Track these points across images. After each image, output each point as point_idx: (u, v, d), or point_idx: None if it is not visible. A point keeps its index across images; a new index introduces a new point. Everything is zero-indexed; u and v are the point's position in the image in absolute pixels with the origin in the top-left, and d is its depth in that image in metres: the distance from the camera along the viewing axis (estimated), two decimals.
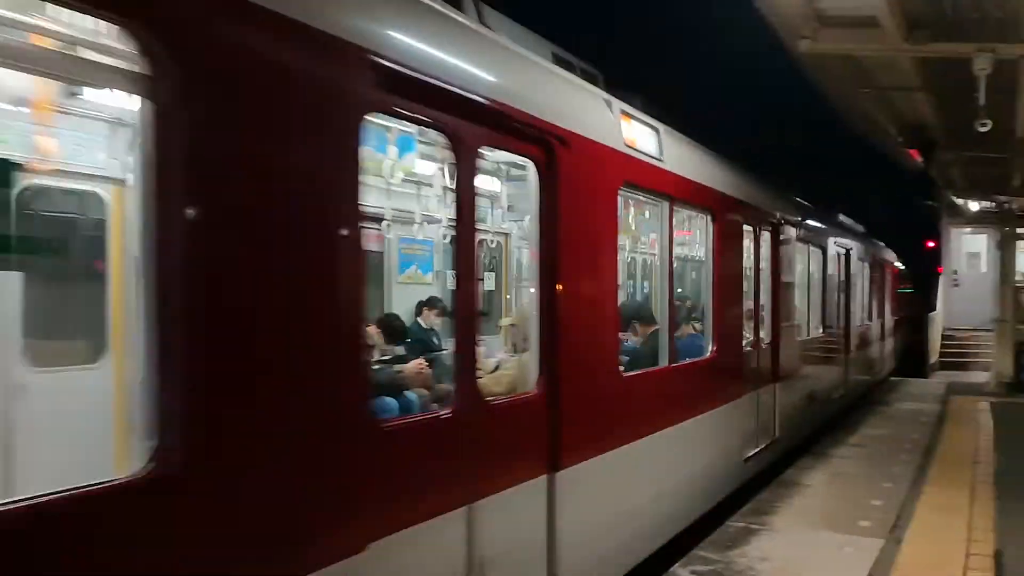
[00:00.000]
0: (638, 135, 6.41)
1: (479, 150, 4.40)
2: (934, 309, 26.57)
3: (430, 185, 6.47)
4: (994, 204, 22.47)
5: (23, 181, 4.13)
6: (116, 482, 2.59)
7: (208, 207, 2.83)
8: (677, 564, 6.22)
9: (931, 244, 29.11)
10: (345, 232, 3.48)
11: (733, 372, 8.48)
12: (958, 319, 26.38)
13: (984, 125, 9.39)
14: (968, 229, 27.24)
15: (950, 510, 7.84)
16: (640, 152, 6.36)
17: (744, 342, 8.85)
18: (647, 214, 8.13)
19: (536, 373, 4.95)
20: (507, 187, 6.90)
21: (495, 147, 4.79)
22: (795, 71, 11.34)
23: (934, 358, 24.19)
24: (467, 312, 4.33)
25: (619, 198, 6.04)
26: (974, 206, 25.39)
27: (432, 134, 4.66)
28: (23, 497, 2.35)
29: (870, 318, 18.28)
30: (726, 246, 8.21)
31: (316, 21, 3.28)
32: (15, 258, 3.70)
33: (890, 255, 22.64)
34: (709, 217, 7.87)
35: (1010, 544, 6.79)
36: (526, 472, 4.74)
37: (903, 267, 26.05)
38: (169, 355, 2.70)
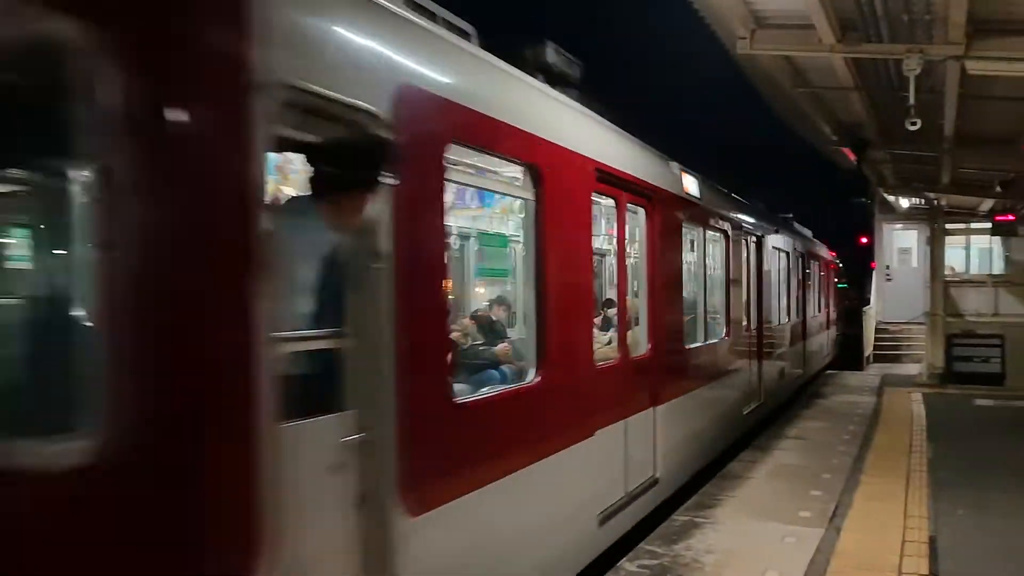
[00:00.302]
0: (689, 184, 9.09)
1: (627, 204, 7.20)
2: (868, 304, 27.26)
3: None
4: (924, 201, 23.14)
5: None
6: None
7: (553, 250, 5.56)
8: (624, 559, 6.28)
9: (865, 240, 29.86)
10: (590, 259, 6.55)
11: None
12: (891, 313, 27.12)
13: (914, 124, 9.65)
14: (899, 225, 27.99)
15: (886, 498, 8.06)
16: (691, 196, 9.10)
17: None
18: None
19: (645, 343, 7.49)
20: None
21: (631, 202, 7.34)
22: (733, 71, 11.54)
23: (869, 351, 24.76)
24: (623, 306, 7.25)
25: (682, 228, 8.73)
26: (905, 203, 26.10)
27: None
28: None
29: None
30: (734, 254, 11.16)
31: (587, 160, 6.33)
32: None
33: (821, 248, 22.79)
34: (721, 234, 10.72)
35: (943, 530, 7.02)
36: (643, 405, 7.28)
37: (837, 262, 26.67)
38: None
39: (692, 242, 9.67)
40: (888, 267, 28.06)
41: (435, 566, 3.94)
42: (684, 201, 8.84)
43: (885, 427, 12.33)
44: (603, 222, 8.02)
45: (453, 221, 6.27)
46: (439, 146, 4.25)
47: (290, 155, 3.93)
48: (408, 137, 3.82)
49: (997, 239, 24.83)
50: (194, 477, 2.68)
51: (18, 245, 3.54)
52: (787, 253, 15.40)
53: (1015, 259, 25.76)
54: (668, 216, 8.15)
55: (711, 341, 10.00)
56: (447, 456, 4.22)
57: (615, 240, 7.35)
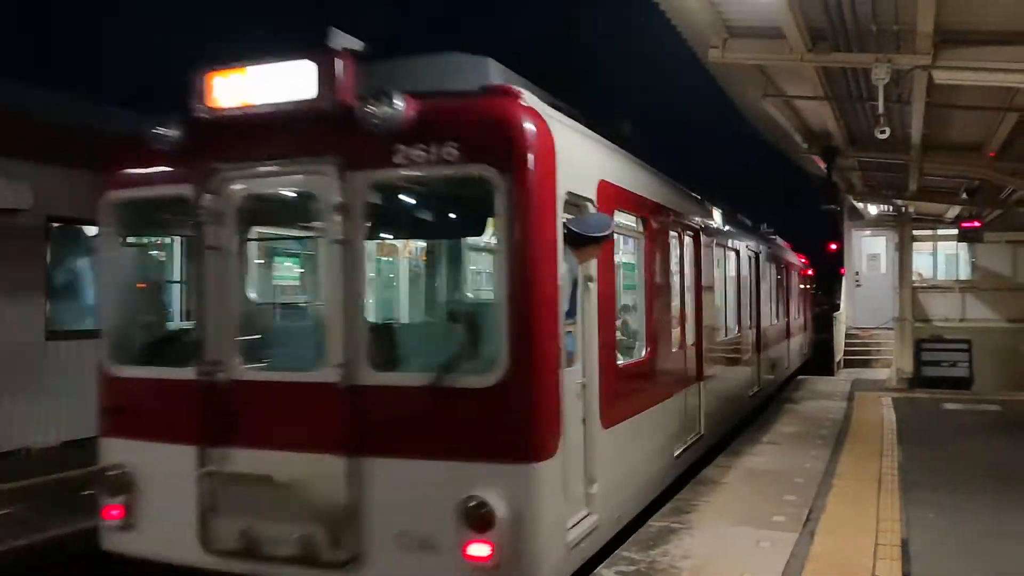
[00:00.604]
0: (718, 216, 11.65)
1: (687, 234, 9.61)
2: (838, 309, 27.56)
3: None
4: (892, 208, 23.48)
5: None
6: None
7: (651, 269, 7.90)
8: (602, 565, 6.29)
9: (834, 247, 30.20)
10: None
11: None
12: (861, 319, 27.46)
13: (883, 132, 9.81)
14: (868, 232, 28.37)
15: (859, 502, 8.14)
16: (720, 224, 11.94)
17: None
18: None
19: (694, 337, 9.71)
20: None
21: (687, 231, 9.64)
22: (705, 78, 11.64)
23: (839, 356, 25.02)
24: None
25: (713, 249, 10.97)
26: (874, 210, 26.47)
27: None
28: None
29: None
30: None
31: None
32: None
33: (787, 251, 22.50)
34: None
35: (915, 533, 7.10)
36: (693, 381, 9.58)
37: (806, 267, 26.89)
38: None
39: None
40: (858, 273, 28.40)
41: (614, 454, 6.57)
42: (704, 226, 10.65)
43: (856, 432, 12.46)
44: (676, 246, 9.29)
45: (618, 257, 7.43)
46: (613, 212, 6.71)
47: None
48: (602, 210, 6.44)
49: (963, 245, 25.28)
50: (536, 393, 5.17)
51: (473, 273, 8.53)
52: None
53: (981, 265, 26.25)
54: (697, 240, 10.15)
55: (733, 334, 12.72)
56: (616, 396, 6.68)
57: (679, 260, 9.29)
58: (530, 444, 5.10)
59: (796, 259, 22.70)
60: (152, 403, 5.93)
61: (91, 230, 12.19)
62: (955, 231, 23.06)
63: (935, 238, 26.33)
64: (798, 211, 32.77)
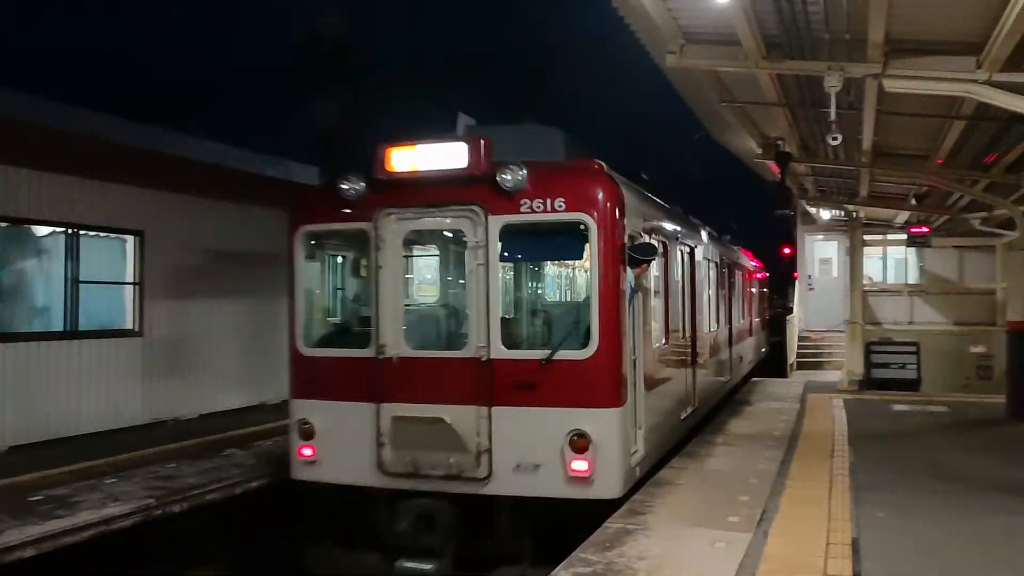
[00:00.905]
0: (704, 234, 13.78)
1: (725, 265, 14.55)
2: (791, 312, 27.97)
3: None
4: (844, 213, 23.90)
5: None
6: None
7: (670, 279, 10.33)
8: (559, 567, 6.31)
9: (788, 251, 30.64)
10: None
11: None
12: (813, 321, 27.91)
13: (835, 139, 9.98)
14: (821, 236, 28.84)
15: (811, 502, 8.26)
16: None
17: None
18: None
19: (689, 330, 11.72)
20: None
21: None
22: (663, 83, 11.76)
23: (792, 359, 25.38)
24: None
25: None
26: (826, 215, 26.92)
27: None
28: None
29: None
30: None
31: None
32: None
33: (744, 258, 23.11)
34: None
35: (865, 532, 7.23)
36: (689, 365, 11.56)
37: (760, 271, 27.23)
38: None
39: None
40: (810, 277, 28.84)
41: (651, 410, 8.89)
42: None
43: (809, 433, 12.65)
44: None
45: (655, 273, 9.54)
46: (619, 231, 8.10)
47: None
48: (624, 236, 8.07)
49: (912, 250, 25.84)
50: (615, 364, 7.69)
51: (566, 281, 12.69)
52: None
53: (929, 269, 26.85)
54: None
55: (714, 328, 14.52)
56: (652, 370, 9.02)
57: (679, 270, 11.09)
58: (612, 396, 7.71)
59: (752, 263, 23.11)
60: (336, 373, 8.36)
61: (41, 230, 11.98)
62: (904, 236, 23.54)
63: (885, 243, 26.89)
64: (756, 215, 33.24)
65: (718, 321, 14.88)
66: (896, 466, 10.13)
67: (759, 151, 15.77)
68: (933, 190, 18.02)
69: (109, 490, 9.15)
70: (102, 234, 12.56)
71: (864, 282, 22.43)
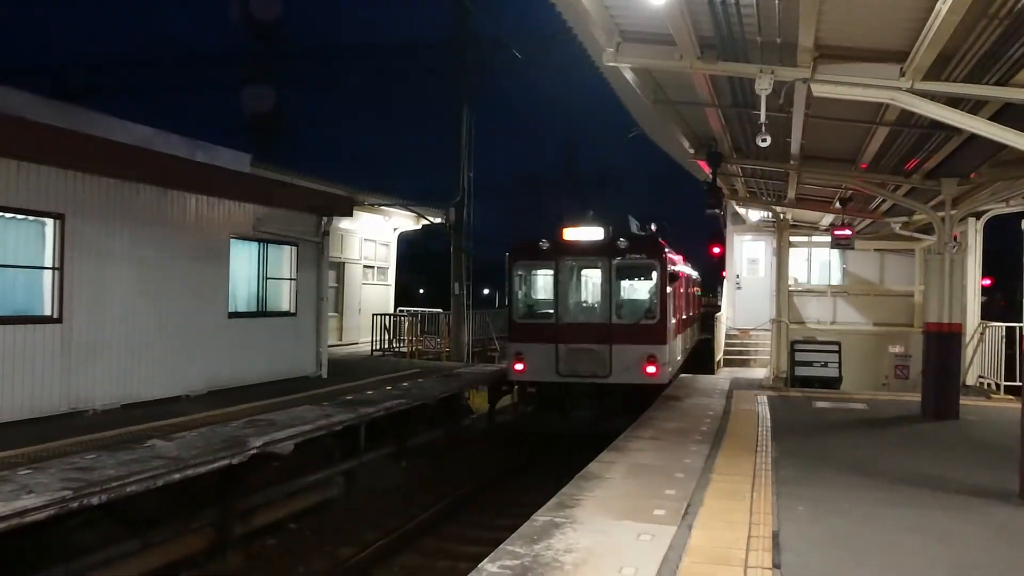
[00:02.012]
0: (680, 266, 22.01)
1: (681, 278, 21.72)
2: (720, 310, 28.53)
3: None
4: (771, 214, 24.44)
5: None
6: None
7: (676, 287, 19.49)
8: (486, 560, 6.31)
9: (717, 250, 31.22)
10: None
11: None
12: (741, 320, 28.51)
13: (764, 141, 10.13)
14: (749, 236, 29.45)
15: (734, 496, 8.45)
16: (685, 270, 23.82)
17: None
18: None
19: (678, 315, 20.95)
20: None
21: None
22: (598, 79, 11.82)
23: (720, 355, 25.89)
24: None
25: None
26: (755, 216, 27.50)
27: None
28: None
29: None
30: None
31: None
32: None
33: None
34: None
35: (785, 525, 7.42)
36: (681, 332, 21.71)
37: (695, 273, 27.80)
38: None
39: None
40: (739, 276, 29.44)
41: (676, 348, 18.97)
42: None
43: (734, 429, 12.92)
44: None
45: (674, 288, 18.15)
46: (667, 269, 17.71)
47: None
48: (668, 271, 17.69)
49: (836, 252, 26.59)
50: (667, 325, 17.53)
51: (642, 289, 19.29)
52: None
53: (851, 271, 27.69)
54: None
55: (686, 316, 23.49)
56: (676, 328, 19.23)
57: (675, 283, 18.99)
58: (663, 339, 17.07)
59: (690, 269, 24.42)
60: (534, 329, 17.76)
61: None
62: (828, 238, 24.18)
63: (810, 244, 27.62)
64: (691, 213, 33.78)
65: (686, 311, 23.16)
66: (816, 461, 10.42)
67: (692, 151, 16.01)
68: (857, 194, 18.54)
69: (23, 481, 8.82)
70: (19, 216, 12.08)
71: (790, 282, 22.97)
